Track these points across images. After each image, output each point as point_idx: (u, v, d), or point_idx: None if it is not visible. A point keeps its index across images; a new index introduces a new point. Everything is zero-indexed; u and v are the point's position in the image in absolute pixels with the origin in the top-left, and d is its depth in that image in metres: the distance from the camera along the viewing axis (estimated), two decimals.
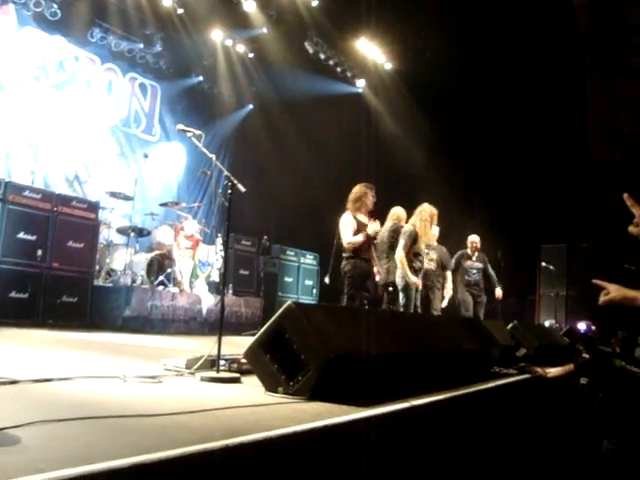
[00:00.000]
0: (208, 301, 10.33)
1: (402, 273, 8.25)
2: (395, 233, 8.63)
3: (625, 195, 2.92)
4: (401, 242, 8.35)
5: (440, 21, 12.70)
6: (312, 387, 3.60)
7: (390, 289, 8.56)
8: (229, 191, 4.41)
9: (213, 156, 4.87)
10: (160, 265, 10.18)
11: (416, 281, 8.23)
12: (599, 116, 14.80)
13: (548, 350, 7.73)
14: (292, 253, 12.99)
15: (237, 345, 5.59)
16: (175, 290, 10.03)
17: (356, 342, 3.96)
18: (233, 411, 3.18)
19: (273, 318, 3.80)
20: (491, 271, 10.81)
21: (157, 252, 10.23)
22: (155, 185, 13.51)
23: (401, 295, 8.24)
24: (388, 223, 8.83)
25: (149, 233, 10.82)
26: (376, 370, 3.85)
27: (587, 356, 7.69)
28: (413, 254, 8.39)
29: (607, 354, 7.14)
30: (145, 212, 11.51)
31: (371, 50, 14.32)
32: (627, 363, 6.18)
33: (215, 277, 10.94)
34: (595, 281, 3.06)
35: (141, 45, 13.18)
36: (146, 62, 13.53)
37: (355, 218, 7.71)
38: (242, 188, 4.41)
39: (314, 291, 13.48)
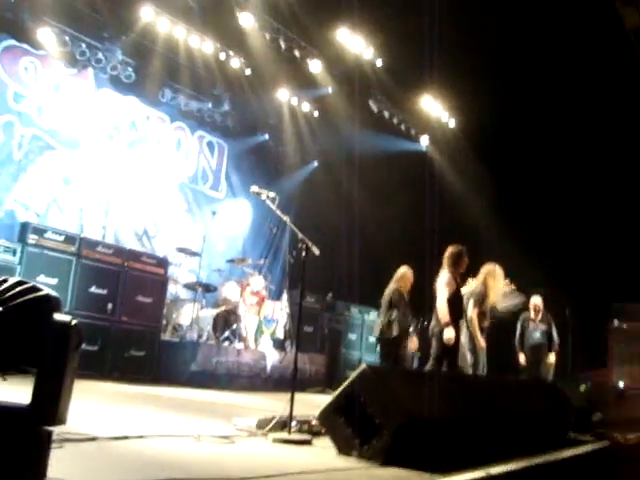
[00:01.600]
0: (273, 358, 10.33)
1: (470, 334, 8.11)
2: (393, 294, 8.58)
3: None
4: (471, 302, 8.22)
5: (501, 78, 12.74)
6: (386, 451, 3.55)
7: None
8: (303, 253, 4.45)
9: (287, 218, 4.93)
10: (226, 321, 10.26)
11: (482, 344, 8.07)
12: None
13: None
14: (356, 310, 12.93)
15: (303, 403, 5.56)
16: (240, 346, 10.08)
17: (429, 406, 3.90)
18: (308, 476, 3.15)
19: (347, 381, 3.78)
20: (554, 333, 10.55)
21: (223, 308, 10.33)
22: (221, 241, 13.71)
23: (470, 355, 8.10)
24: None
25: (215, 289, 10.95)
26: (450, 434, 3.78)
27: None
28: (480, 314, 8.25)
29: None
30: (212, 268, 11.66)
31: (434, 107, 14.42)
32: None
33: (280, 334, 10.95)
34: None
35: (209, 104, 13.55)
36: (214, 120, 13.88)
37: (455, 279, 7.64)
38: (316, 251, 4.45)
39: (377, 349, 13.33)
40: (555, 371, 10.55)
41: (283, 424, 4.31)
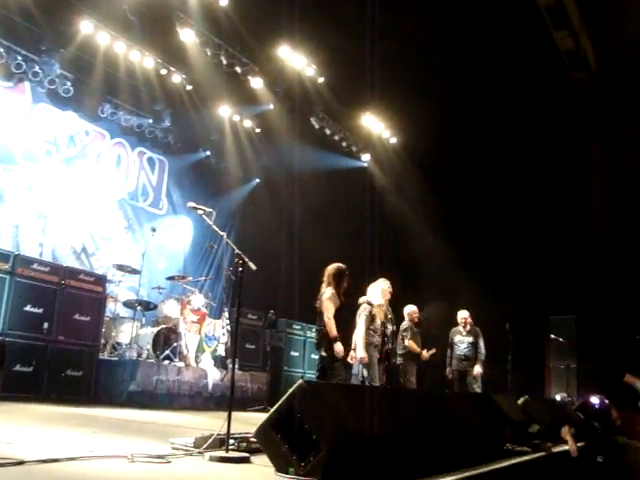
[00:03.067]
0: (214, 376, 10.21)
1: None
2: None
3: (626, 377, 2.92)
4: (362, 319, 8.29)
5: (443, 96, 12.96)
6: (324, 467, 3.52)
7: None
8: (240, 269, 4.41)
9: (224, 234, 4.90)
10: (166, 339, 10.10)
11: (366, 359, 8.15)
12: (603, 187, 14.94)
13: (562, 426, 7.56)
14: (298, 327, 12.88)
15: (243, 422, 5.51)
16: (181, 364, 9.92)
17: (368, 421, 3.89)
18: None
19: (284, 397, 3.75)
20: (481, 345, 10.80)
21: (163, 326, 10.17)
22: (162, 258, 13.54)
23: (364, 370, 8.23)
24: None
25: (155, 307, 10.79)
26: (388, 449, 3.78)
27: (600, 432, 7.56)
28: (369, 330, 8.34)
29: (613, 430, 7.01)
30: (152, 285, 11.49)
31: (376, 125, 14.57)
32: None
33: (221, 351, 10.83)
34: (627, 379, 3.03)
35: (150, 120, 13.41)
36: (155, 137, 13.74)
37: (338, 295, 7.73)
38: (253, 266, 4.42)
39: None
40: (492, 384, 10.77)
41: (221, 442, 4.24)
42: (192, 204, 5.15)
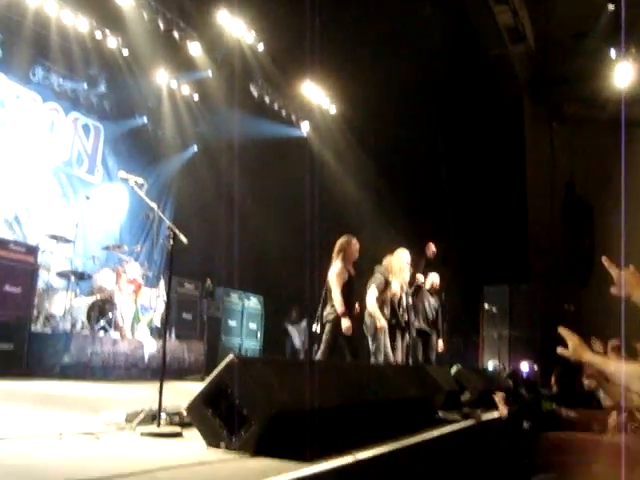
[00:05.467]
0: (150, 347, 10.12)
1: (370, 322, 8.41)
2: None
3: (604, 259, 3.00)
4: (372, 289, 8.47)
5: (382, 65, 12.99)
6: (256, 442, 3.55)
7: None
8: (171, 241, 4.36)
9: (155, 205, 4.82)
10: (101, 310, 9.95)
11: (382, 323, 8.32)
12: (537, 159, 15.27)
13: (492, 393, 7.78)
14: (236, 296, 12.86)
15: (180, 393, 5.48)
16: (116, 336, 9.80)
17: (300, 396, 3.92)
18: (173, 472, 3.11)
19: (215, 372, 3.74)
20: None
21: (98, 296, 10.01)
22: (97, 228, 13.26)
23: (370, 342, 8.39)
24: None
25: (90, 277, 10.59)
26: (321, 423, 3.82)
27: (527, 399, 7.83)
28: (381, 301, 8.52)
29: (541, 397, 7.25)
30: (86, 255, 11.28)
31: (315, 94, 14.49)
32: (562, 402, 6.29)
33: (157, 322, 10.74)
34: (561, 330, 3.11)
35: (85, 85, 13.05)
36: (89, 102, 13.37)
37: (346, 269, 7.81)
38: (184, 239, 4.38)
39: (258, 334, 13.37)
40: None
41: (153, 416, 4.22)
42: (123, 174, 5.05)
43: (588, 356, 3.07)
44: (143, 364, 9.96)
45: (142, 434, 4.02)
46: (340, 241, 8.03)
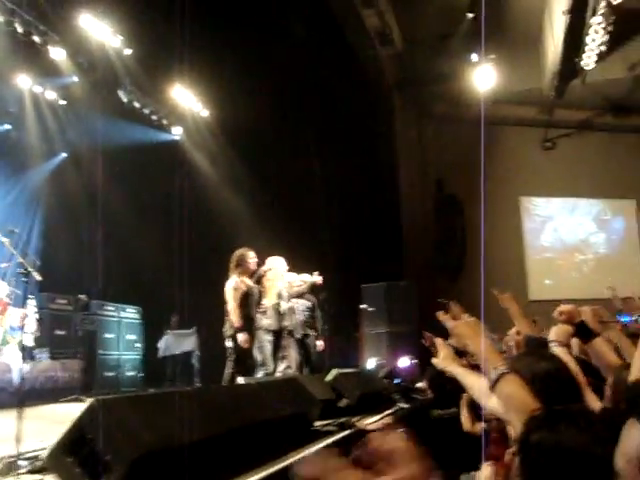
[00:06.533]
0: (20, 369, 9.61)
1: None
2: None
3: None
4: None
5: (252, 66, 12.97)
6: None
7: None
8: (23, 278, 4.15)
9: (6, 240, 4.58)
10: None
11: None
12: (409, 157, 15.71)
13: (370, 398, 7.88)
14: (112, 308, 12.46)
15: (52, 419, 5.26)
16: None
17: (167, 433, 3.84)
18: None
19: (75, 418, 3.59)
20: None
21: None
22: None
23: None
24: None
25: None
26: (190, 459, 3.75)
27: (405, 406, 7.98)
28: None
29: (422, 404, 7.43)
30: None
31: (186, 97, 14.24)
32: (440, 407, 6.45)
33: (28, 342, 10.25)
34: (440, 316, 3.18)
35: None
36: None
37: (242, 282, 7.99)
38: (38, 277, 4.18)
39: (137, 345, 13.04)
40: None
41: (10, 465, 4.01)
42: None
43: (452, 367, 3.18)
44: (12, 388, 9.47)
45: None
46: (236, 254, 8.12)
